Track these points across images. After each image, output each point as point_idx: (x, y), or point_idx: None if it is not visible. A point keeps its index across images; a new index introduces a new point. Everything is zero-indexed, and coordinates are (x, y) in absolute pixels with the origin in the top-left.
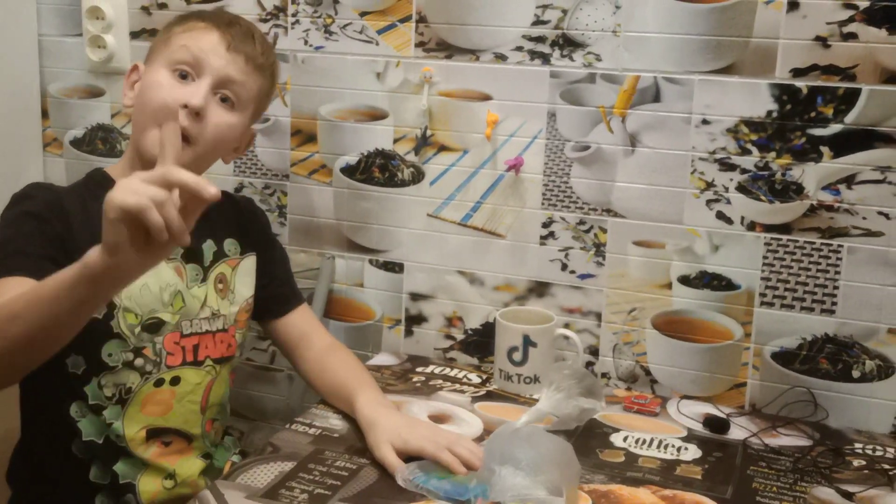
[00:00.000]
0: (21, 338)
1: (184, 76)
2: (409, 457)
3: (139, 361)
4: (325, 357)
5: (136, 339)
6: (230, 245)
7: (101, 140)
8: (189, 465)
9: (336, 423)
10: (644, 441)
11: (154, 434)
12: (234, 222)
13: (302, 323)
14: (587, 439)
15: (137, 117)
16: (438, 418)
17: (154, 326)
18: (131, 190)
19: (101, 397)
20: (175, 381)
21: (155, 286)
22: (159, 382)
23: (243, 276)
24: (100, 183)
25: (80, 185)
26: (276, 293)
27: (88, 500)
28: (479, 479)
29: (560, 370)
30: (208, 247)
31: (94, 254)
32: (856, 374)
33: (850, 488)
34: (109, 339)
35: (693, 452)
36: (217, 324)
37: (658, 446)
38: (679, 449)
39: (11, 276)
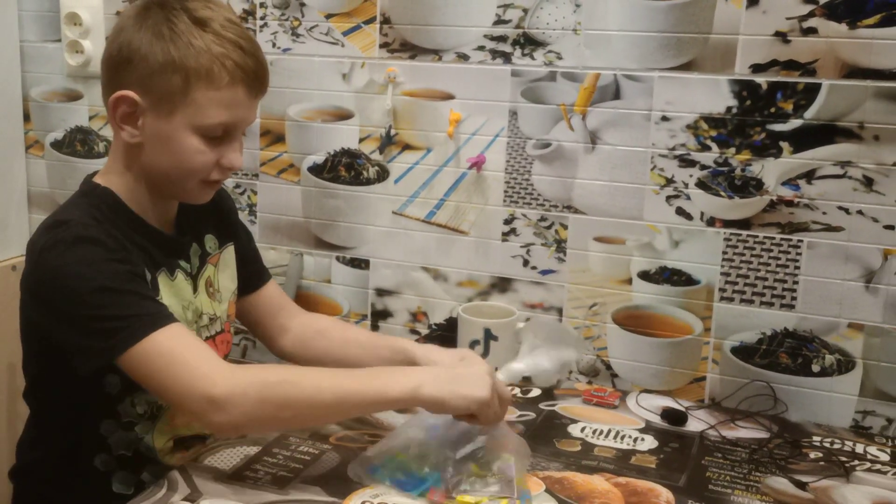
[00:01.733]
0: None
1: (214, 138)
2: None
3: None
4: (316, 320)
5: None
6: (210, 241)
7: (79, 142)
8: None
9: None
10: (601, 432)
11: (180, 443)
12: (208, 214)
13: (278, 294)
14: (545, 429)
15: (167, 170)
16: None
17: None
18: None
19: (134, 414)
20: None
21: (178, 306)
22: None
23: (225, 269)
24: (114, 207)
25: (92, 207)
26: (251, 271)
27: None
28: (433, 467)
29: (531, 328)
30: (194, 251)
31: (430, 388)
32: (815, 368)
33: (805, 478)
34: None
35: (649, 443)
36: (216, 327)
37: (615, 437)
38: (636, 440)
39: (176, 323)
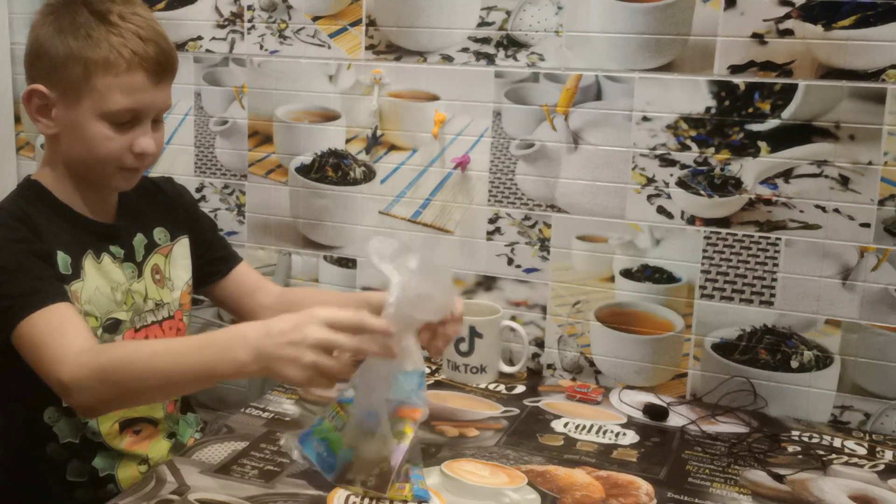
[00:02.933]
0: (137, 396)
1: (122, 124)
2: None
3: None
4: (292, 292)
5: (101, 340)
6: (160, 234)
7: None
8: (159, 448)
9: (288, 407)
10: (584, 427)
11: (126, 425)
12: (160, 209)
13: (251, 273)
14: (529, 425)
15: (83, 159)
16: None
17: (112, 326)
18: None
19: None
20: None
21: (106, 287)
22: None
23: (178, 260)
24: (39, 196)
25: (18, 197)
26: (216, 257)
27: (68, 496)
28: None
29: (373, 251)
30: (139, 241)
31: (245, 367)
32: (794, 364)
33: (782, 471)
34: None
35: (631, 438)
36: (162, 313)
37: (597, 432)
38: (617, 434)
39: (56, 304)
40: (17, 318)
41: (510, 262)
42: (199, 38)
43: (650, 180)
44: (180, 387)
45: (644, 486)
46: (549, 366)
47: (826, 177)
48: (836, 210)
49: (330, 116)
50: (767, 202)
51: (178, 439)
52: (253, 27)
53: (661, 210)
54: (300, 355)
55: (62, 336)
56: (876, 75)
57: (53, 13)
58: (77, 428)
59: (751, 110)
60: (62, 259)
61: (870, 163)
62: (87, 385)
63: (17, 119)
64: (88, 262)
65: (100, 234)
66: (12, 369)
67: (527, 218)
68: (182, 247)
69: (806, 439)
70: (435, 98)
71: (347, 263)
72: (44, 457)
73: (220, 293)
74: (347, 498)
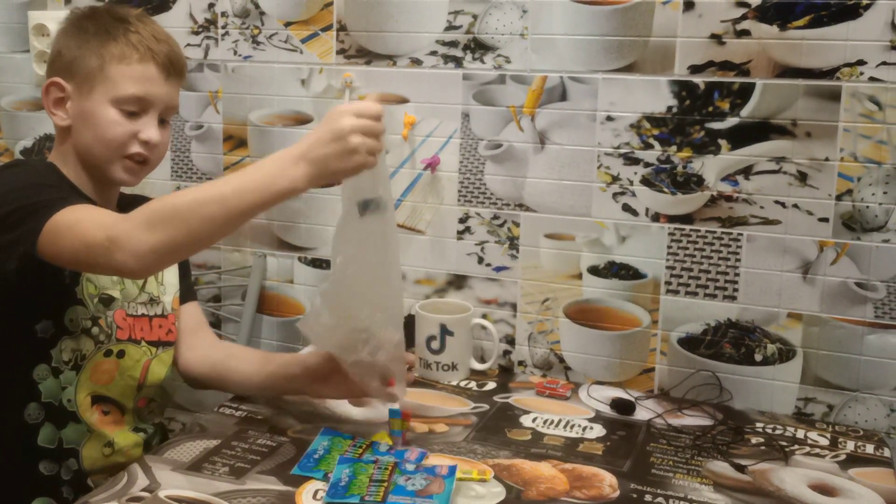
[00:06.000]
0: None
1: (131, 112)
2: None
3: (95, 330)
4: (232, 348)
5: (95, 308)
6: None
7: (48, 150)
8: (124, 437)
9: (261, 407)
10: (552, 422)
11: (96, 400)
12: None
13: (199, 315)
14: (498, 420)
15: (91, 146)
16: (359, 402)
17: (107, 301)
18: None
19: (61, 361)
20: (121, 354)
21: None
22: (108, 353)
23: (170, 268)
24: (54, 172)
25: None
26: (184, 285)
27: (33, 465)
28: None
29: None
30: None
31: (301, 178)
32: (758, 357)
33: (744, 462)
34: (73, 304)
35: (598, 431)
36: (156, 309)
37: (565, 426)
38: (584, 428)
39: (81, 204)
40: (43, 218)
41: (480, 260)
42: None
43: (615, 178)
44: (237, 212)
45: (608, 478)
46: (520, 362)
47: (785, 173)
48: (795, 205)
49: (302, 120)
50: (729, 199)
51: (146, 440)
52: (227, 33)
53: (626, 208)
54: (347, 144)
55: (102, 212)
56: (830, 73)
57: (77, 22)
58: (58, 390)
59: (711, 109)
60: None
61: (826, 159)
62: (134, 233)
63: None
64: None
65: None
66: (8, 325)
67: (496, 217)
68: None
69: (769, 431)
70: (404, 101)
71: (321, 264)
72: (20, 419)
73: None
74: (316, 493)
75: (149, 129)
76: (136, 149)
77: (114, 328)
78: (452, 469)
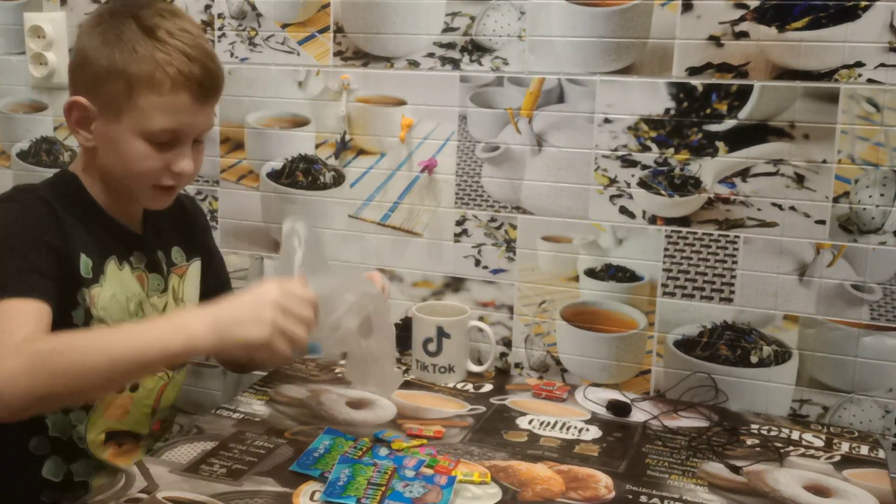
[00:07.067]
0: (85, 386)
1: (162, 143)
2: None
3: None
4: None
5: None
6: (176, 254)
7: (45, 152)
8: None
9: (259, 408)
10: (548, 423)
11: (111, 436)
12: (178, 228)
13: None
14: (494, 422)
15: (118, 173)
16: (356, 404)
17: None
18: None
19: None
20: (134, 387)
21: (122, 296)
22: (120, 389)
23: (191, 281)
24: (74, 190)
25: (52, 186)
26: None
27: (35, 495)
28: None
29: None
30: (160, 257)
31: (201, 338)
32: (754, 359)
33: (739, 463)
34: None
35: (594, 433)
36: None
37: (561, 428)
38: (581, 430)
39: (31, 299)
40: None
41: (477, 263)
42: None
43: (612, 181)
44: (125, 369)
45: (604, 479)
46: (517, 365)
47: (782, 175)
48: (793, 208)
49: (299, 122)
50: (726, 201)
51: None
52: (223, 35)
53: (624, 210)
54: (260, 314)
55: (11, 324)
56: (829, 75)
57: (101, 24)
58: (68, 426)
59: (708, 111)
60: (84, 262)
61: (824, 161)
62: (13, 377)
63: None
64: (111, 268)
65: (126, 241)
66: None
67: (493, 220)
68: (195, 268)
69: (765, 432)
70: (402, 103)
71: None
72: (24, 450)
73: None
74: (313, 494)
75: (181, 160)
76: (167, 181)
77: None
78: (452, 479)
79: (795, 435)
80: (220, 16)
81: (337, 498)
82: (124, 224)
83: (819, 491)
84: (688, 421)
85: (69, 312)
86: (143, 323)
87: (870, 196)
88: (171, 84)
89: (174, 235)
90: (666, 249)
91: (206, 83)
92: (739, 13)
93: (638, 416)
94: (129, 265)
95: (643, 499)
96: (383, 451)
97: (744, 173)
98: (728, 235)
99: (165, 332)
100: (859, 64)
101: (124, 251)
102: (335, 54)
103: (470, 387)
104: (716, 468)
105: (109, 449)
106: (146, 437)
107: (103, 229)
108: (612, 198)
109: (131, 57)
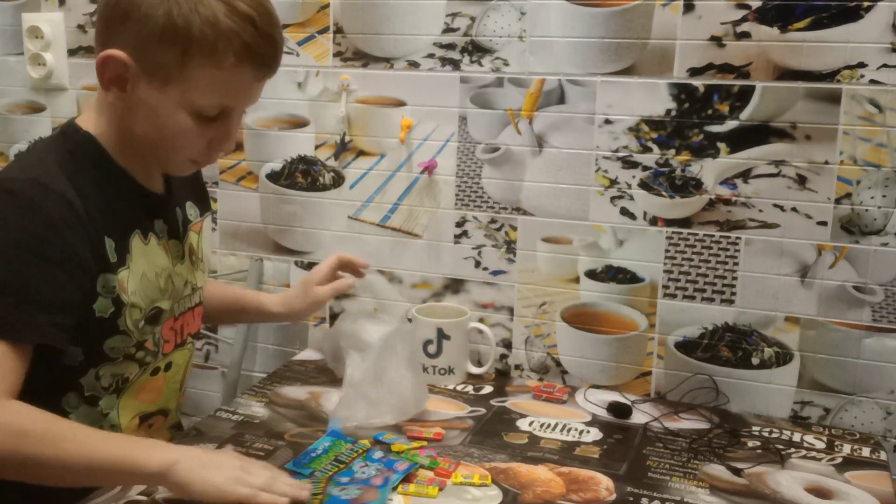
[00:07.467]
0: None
1: (207, 118)
2: None
3: (140, 353)
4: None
5: (140, 334)
6: (190, 209)
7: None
8: (162, 438)
9: (258, 410)
10: (548, 425)
11: (144, 418)
12: (187, 182)
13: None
14: (495, 424)
15: (152, 140)
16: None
17: (154, 317)
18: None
19: (98, 388)
20: (168, 367)
21: (152, 273)
22: (156, 370)
23: (206, 237)
24: (92, 156)
25: (67, 154)
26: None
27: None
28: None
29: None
30: (179, 216)
31: (179, 464)
32: (755, 361)
33: (741, 465)
34: (114, 334)
35: (594, 435)
36: (196, 298)
37: (562, 430)
38: (581, 432)
39: (5, 341)
40: None
41: (477, 264)
42: None
43: (613, 182)
44: (89, 471)
45: (604, 482)
46: (517, 366)
47: (783, 176)
48: (794, 209)
49: (299, 123)
50: (727, 202)
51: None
52: None
53: (624, 211)
54: (229, 466)
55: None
56: (831, 76)
57: None
58: (95, 418)
59: (710, 112)
60: (109, 245)
61: (826, 162)
62: None
63: None
64: (136, 245)
65: (150, 206)
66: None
67: (493, 221)
68: (208, 224)
69: (766, 434)
70: (402, 104)
71: None
72: None
73: None
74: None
75: (226, 139)
76: (203, 155)
77: (161, 344)
78: (387, 479)
79: (797, 437)
80: None
81: (300, 468)
82: (147, 188)
83: (820, 493)
84: (689, 423)
85: (90, 307)
86: (120, 435)
87: (872, 197)
88: (235, 59)
89: (186, 190)
90: (667, 251)
91: (270, 59)
92: (741, 13)
93: (639, 417)
94: (154, 236)
95: (644, 501)
96: (377, 454)
97: (745, 174)
98: (729, 237)
99: (142, 449)
100: (861, 65)
101: (147, 220)
102: (335, 55)
103: (470, 388)
104: (717, 470)
105: (142, 431)
106: (173, 411)
107: (125, 197)
108: (612, 199)
109: (193, 18)
